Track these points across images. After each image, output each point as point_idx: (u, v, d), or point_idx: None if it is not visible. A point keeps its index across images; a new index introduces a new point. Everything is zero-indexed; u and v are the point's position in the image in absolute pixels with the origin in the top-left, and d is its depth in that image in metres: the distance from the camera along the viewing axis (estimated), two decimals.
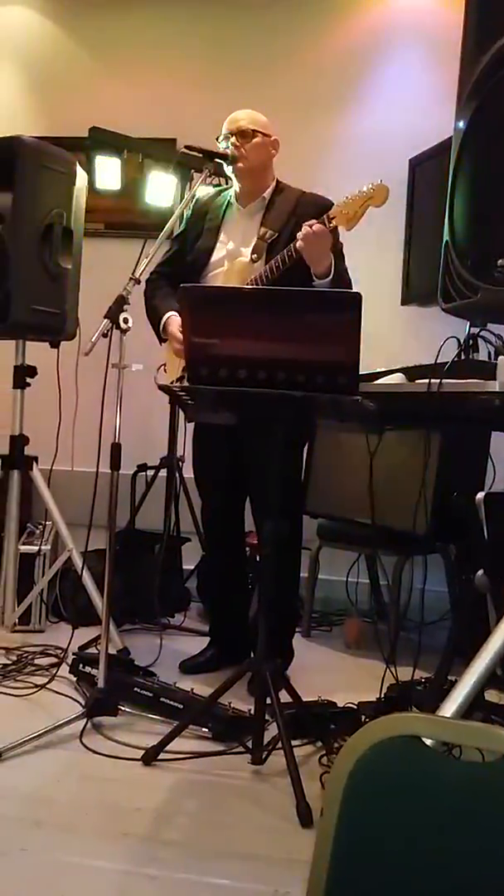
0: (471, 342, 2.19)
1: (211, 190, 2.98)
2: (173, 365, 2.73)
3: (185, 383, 2.63)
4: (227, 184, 3.36)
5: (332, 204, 2.44)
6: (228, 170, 2.67)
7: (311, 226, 2.35)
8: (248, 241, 2.64)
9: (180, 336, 2.53)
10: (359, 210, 2.28)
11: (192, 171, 3.44)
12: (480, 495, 2.57)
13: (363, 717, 2.30)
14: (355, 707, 2.38)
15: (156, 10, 4.12)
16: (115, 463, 2.32)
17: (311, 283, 2.47)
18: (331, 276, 2.45)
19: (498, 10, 1.63)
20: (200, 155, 2.77)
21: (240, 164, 2.63)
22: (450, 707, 1.54)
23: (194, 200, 2.82)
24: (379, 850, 0.97)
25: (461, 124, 1.66)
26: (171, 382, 2.70)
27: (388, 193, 2.28)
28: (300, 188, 2.72)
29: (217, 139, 2.67)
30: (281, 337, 1.96)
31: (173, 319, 2.63)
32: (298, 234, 2.39)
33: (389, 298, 3.80)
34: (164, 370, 2.78)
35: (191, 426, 2.96)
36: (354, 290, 2.45)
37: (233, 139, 2.62)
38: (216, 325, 2.00)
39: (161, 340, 2.77)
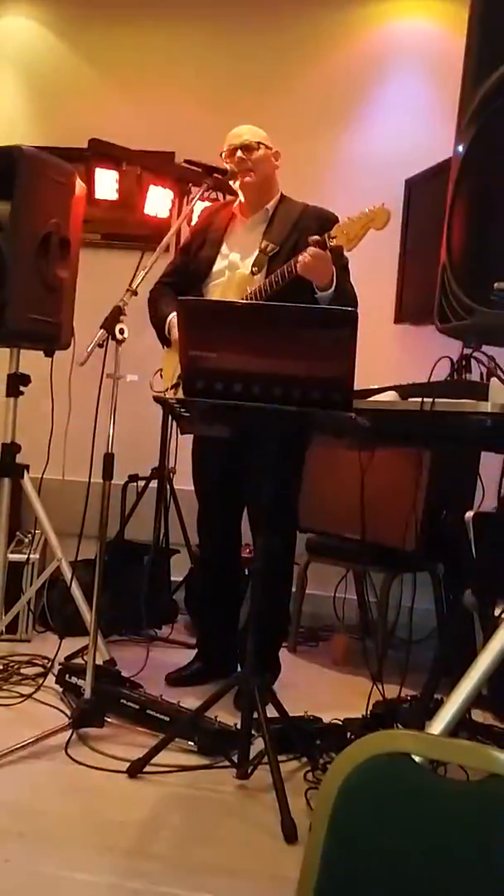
0: (463, 363, 2.22)
1: (212, 204, 3.02)
2: (169, 371, 2.75)
3: (180, 391, 2.66)
4: (225, 199, 3.39)
5: (336, 217, 2.47)
6: (235, 184, 2.70)
7: (308, 253, 2.37)
8: (249, 253, 2.67)
9: None
10: (360, 231, 2.30)
11: (191, 184, 3.47)
12: (469, 514, 2.59)
13: (349, 734, 2.30)
14: (341, 723, 2.38)
15: (158, 24, 4.15)
16: (108, 473, 2.33)
17: (314, 296, 2.49)
18: (332, 289, 2.47)
19: (500, 38, 1.66)
20: (199, 169, 2.81)
21: (248, 178, 2.67)
22: (437, 725, 1.54)
23: (199, 213, 2.85)
24: (367, 868, 0.97)
25: (461, 148, 1.68)
26: (167, 389, 2.72)
27: (390, 217, 2.30)
28: (304, 202, 2.75)
29: (221, 155, 2.70)
30: (277, 352, 1.97)
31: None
32: (298, 258, 2.41)
33: (383, 316, 3.83)
34: (161, 376, 2.79)
35: (183, 437, 2.96)
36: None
37: (239, 153, 2.66)
38: (213, 339, 2.02)
39: (164, 343, 2.79)
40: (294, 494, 2.82)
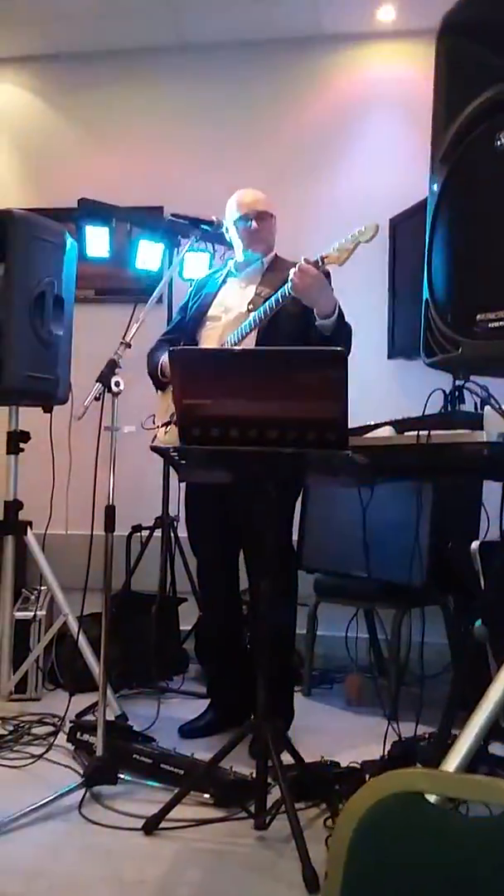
0: (456, 394, 2.23)
1: (203, 255, 3.08)
2: (162, 409, 2.79)
3: (173, 428, 2.69)
4: (213, 248, 3.46)
5: (329, 272, 2.52)
6: (238, 246, 2.77)
7: (298, 267, 2.40)
8: (244, 298, 2.72)
9: None
10: (350, 246, 2.34)
11: (180, 237, 3.54)
12: (475, 545, 2.58)
13: (367, 777, 2.25)
14: (359, 766, 2.34)
15: (138, 84, 4.29)
16: (110, 525, 2.33)
17: (314, 324, 2.51)
18: (335, 317, 2.49)
19: (465, 81, 1.72)
20: (187, 222, 2.88)
21: (262, 245, 2.77)
22: (453, 761, 1.52)
23: (198, 280, 2.94)
24: None
25: (435, 187, 1.73)
26: (159, 426, 2.75)
27: (378, 229, 2.35)
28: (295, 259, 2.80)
29: (235, 222, 2.76)
30: (270, 395, 1.98)
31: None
32: (290, 272, 2.44)
33: (376, 352, 3.87)
34: (154, 420, 2.82)
35: (184, 485, 2.97)
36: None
37: (253, 224, 2.74)
38: (206, 386, 2.03)
39: (159, 389, 2.81)
40: (291, 535, 2.82)
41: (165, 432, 2.72)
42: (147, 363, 2.85)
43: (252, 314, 2.62)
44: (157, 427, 2.77)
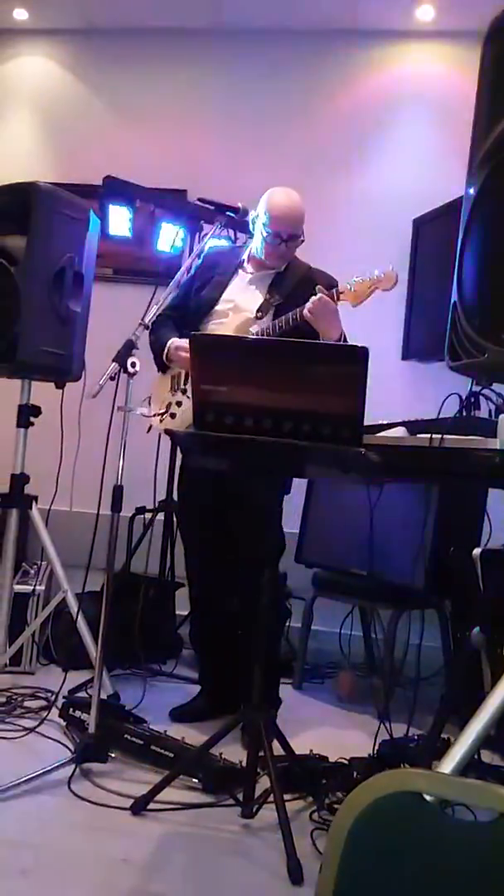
0: (472, 399, 2.23)
1: (225, 243, 3.04)
2: (158, 399, 2.77)
3: (167, 419, 2.68)
4: (235, 236, 3.43)
5: (337, 283, 2.53)
6: (258, 248, 2.71)
7: (319, 297, 2.42)
8: (253, 300, 2.70)
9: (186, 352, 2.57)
10: (367, 290, 2.37)
11: (203, 222, 3.53)
12: (477, 551, 2.58)
13: (355, 774, 2.26)
14: (347, 763, 2.35)
15: (171, 65, 4.27)
16: (117, 505, 2.33)
17: None
18: None
19: None
20: (212, 207, 2.85)
21: (282, 262, 2.73)
22: (448, 765, 1.52)
23: (208, 250, 2.89)
24: None
25: (472, 191, 1.71)
26: (153, 415, 2.74)
27: (397, 280, 2.38)
28: (308, 263, 2.78)
29: (265, 230, 2.65)
30: (288, 387, 1.98)
31: (179, 341, 2.68)
32: (309, 301, 2.45)
33: (390, 352, 3.86)
34: (150, 403, 2.80)
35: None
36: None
37: (282, 246, 2.67)
38: (225, 373, 2.03)
39: (160, 369, 2.80)
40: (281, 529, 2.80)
41: (161, 421, 2.71)
42: (150, 337, 2.75)
43: (259, 321, 2.63)
44: (152, 416, 2.75)
